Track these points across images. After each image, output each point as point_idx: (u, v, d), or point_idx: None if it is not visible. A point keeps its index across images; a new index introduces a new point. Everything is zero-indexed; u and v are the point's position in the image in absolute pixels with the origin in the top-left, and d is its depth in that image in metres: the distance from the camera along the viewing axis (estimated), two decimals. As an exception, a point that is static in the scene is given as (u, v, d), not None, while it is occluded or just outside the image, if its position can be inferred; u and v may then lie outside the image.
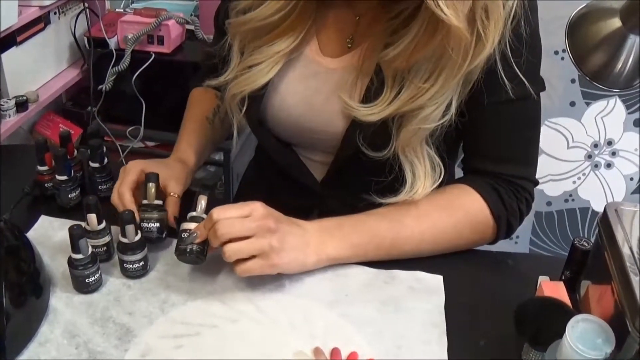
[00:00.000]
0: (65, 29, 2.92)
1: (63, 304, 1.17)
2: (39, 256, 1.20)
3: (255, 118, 1.39)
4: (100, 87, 2.90)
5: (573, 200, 2.67)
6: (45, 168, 1.41)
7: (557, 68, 2.36)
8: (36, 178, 1.42)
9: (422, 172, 1.27)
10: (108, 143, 2.89)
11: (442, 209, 1.30)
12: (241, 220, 1.16)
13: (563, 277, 1.22)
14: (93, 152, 1.41)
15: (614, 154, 2.57)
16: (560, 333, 0.93)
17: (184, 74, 2.84)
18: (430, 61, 1.18)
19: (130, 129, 2.95)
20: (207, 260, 1.23)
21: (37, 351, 1.08)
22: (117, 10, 3.13)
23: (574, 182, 2.64)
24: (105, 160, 1.44)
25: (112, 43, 2.87)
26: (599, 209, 2.68)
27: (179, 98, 1.67)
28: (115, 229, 1.26)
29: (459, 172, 1.50)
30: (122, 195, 1.28)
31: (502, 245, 1.37)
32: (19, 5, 2.44)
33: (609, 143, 2.54)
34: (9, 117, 2.54)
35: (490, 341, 1.13)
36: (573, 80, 2.41)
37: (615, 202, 1.16)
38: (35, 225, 1.35)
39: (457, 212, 1.31)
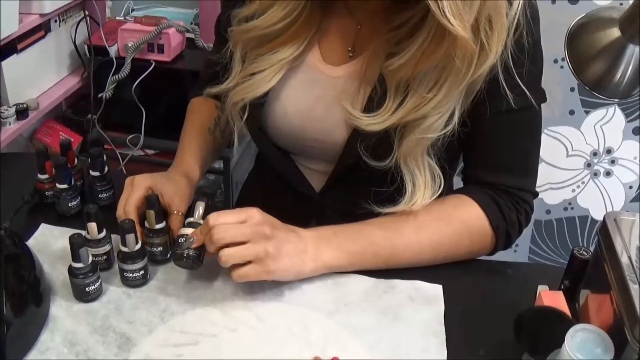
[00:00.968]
0: (65, 36, 2.92)
1: (63, 312, 1.17)
2: (39, 264, 1.20)
3: (256, 126, 1.39)
4: (100, 95, 2.90)
5: (572, 208, 2.68)
6: (45, 176, 1.41)
7: (556, 76, 2.37)
8: (36, 186, 1.42)
9: (422, 182, 1.27)
10: (108, 151, 2.89)
11: (440, 220, 1.30)
12: (237, 226, 1.16)
13: (562, 287, 1.22)
14: (93, 160, 1.41)
15: (613, 162, 2.57)
16: (559, 342, 0.93)
17: (184, 82, 2.84)
18: (435, 70, 1.18)
19: (130, 137, 2.95)
20: (206, 269, 1.23)
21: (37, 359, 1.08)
22: (117, 18, 3.13)
23: (573, 191, 2.64)
24: (106, 168, 1.43)
25: (113, 51, 2.87)
26: (599, 217, 2.68)
27: (179, 106, 1.67)
28: (115, 237, 1.26)
29: (457, 182, 1.50)
30: (128, 214, 1.27)
31: (502, 254, 1.37)
32: (19, 13, 2.44)
33: (608, 151, 2.55)
34: (9, 124, 2.54)
35: (489, 350, 1.13)
36: (572, 89, 2.42)
37: (614, 211, 1.16)
38: (36, 234, 1.35)
39: (455, 223, 1.31)
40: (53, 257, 1.28)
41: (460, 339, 1.15)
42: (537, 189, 1.37)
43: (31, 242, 1.32)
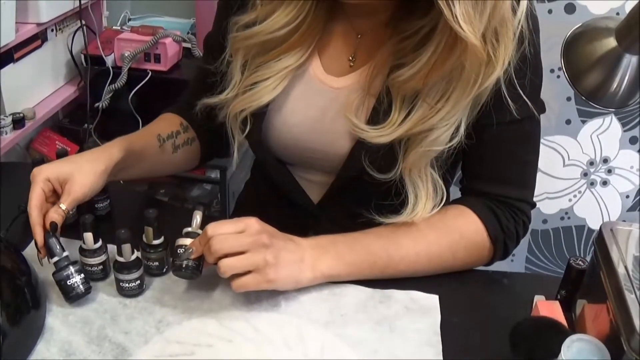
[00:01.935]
0: (62, 46, 2.92)
1: (59, 322, 1.17)
2: (35, 274, 1.20)
3: (257, 137, 1.38)
4: (97, 104, 2.90)
5: (569, 218, 2.68)
6: (41, 186, 1.41)
7: (553, 86, 2.37)
8: (32, 194, 1.42)
9: (424, 195, 1.26)
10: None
11: (438, 230, 1.30)
12: (235, 236, 1.16)
13: (559, 297, 1.22)
14: (89, 170, 1.41)
15: (609, 171, 2.57)
16: (555, 353, 0.93)
17: (180, 92, 2.84)
18: (443, 82, 1.18)
19: (126, 146, 2.95)
20: (203, 280, 1.23)
21: (32, 370, 1.08)
22: (114, 28, 3.14)
23: (570, 200, 2.65)
24: (102, 178, 1.43)
25: (109, 61, 2.87)
26: (595, 226, 2.68)
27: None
28: (111, 247, 1.25)
29: (454, 191, 1.50)
30: (30, 215, 1.20)
31: (498, 264, 1.37)
32: (16, 22, 2.44)
33: (605, 161, 2.55)
34: (6, 134, 2.54)
35: (486, 360, 1.13)
36: (569, 98, 2.42)
37: (610, 221, 1.16)
38: (32, 244, 1.34)
39: (453, 233, 1.30)
40: (49, 267, 1.27)
41: (456, 349, 1.15)
42: (534, 199, 1.37)
43: (27, 252, 1.31)
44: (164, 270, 1.28)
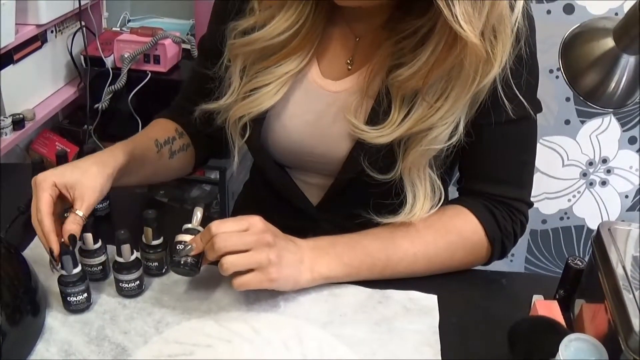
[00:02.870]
0: (62, 47, 2.93)
1: (59, 323, 1.17)
2: (35, 275, 1.20)
3: (257, 142, 1.38)
4: (96, 105, 2.91)
5: (568, 218, 2.68)
6: (41, 187, 1.41)
7: (551, 86, 2.37)
8: (32, 197, 1.42)
9: (422, 195, 1.27)
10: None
11: (436, 231, 1.30)
12: (239, 234, 1.15)
13: (557, 296, 1.22)
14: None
15: (609, 171, 2.57)
16: (553, 352, 0.93)
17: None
18: (442, 80, 1.18)
19: (126, 147, 2.96)
20: (202, 280, 1.23)
21: (32, 370, 1.08)
22: (113, 29, 3.15)
23: (569, 200, 2.65)
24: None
25: (109, 62, 2.88)
26: (594, 226, 2.67)
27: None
28: (111, 247, 1.26)
29: (452, 190, 1.50)
30: (43, 226, 1.16)
31: (497, 264, 1.37)
32: (16, 24, 2.44)
33: (604, 161, 2.55)
34: (6, 135, 2.54)
35: (484, 360, 1.13)
36: (568, 99, 2.42)
37: (608, 221, 1.16)
38: (31, 244, 1.35)
39: (451, 233, 1.31)
40: (48, 268, 1.27)
41: (455, 349, 1.15)
42: (533, 199, 1.38)
43: (27, 253, 1.32)
44: (164, 270, 1.28)
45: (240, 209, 1.75)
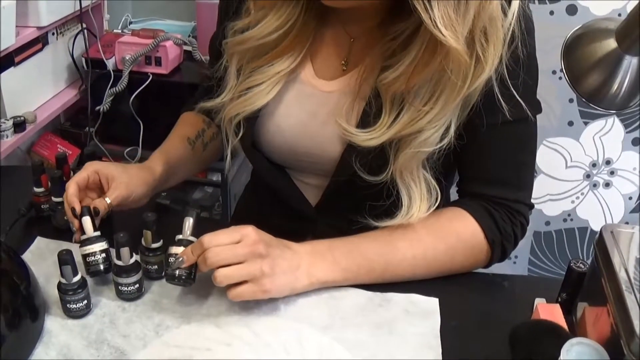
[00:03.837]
0: (63, 49, 2.92)
1: (58, 326, 1.17)
2: (34, 278, 1.19)
3: (249, 141, 1.39)
4: (98, 107, 2.90)
5: (572, 220, 2.68)
6: (41, 190, 1.41)
7: (554, 88, 2.37)
8: (32, 199, 1.42)
9: (418, 196, 1.26)
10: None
11: (435, 233, 1.30)
12: (232, 247, 1.15)
13: (559, 299, 1.22)
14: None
15: (612, 173, 2.57)
16: (555, 356, 0.93)
17: (181, 95, 2.84)
18: (430, 84, 1.18)
19: (127, 149, 2.97)
20: (202, 284, 1.22)
21: (31, 374, 1.08)
22: (115, 31, 3.14)
23: (573, 202, 2.64)
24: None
25: (110, 64, 2.87)
26: (598, 228, 2.67)
27: (176, 119, 1.66)
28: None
29: (453, 193, 1.49)
30: (68, 188, 1.27)
31: (500, 266, 1.37)
32: (16, 26, 2.44)
33: (608, 162, 2.55)
34: (7, 137, 2.54)
35: (486, 364, 1.13)
36: (571, 100, 2.42)
37: (611, 224, 1.16)
38: (31, 247, 1.35)
39: (450, 236, 1.30)
40: (48, 271, 1.27)
41: (456, 352, 1.15)
42: (536, 201, 1.37)
43: (26, 256, 1.32)
44: (163, 273, 1.28)
45: (242, 211, 1.75)
